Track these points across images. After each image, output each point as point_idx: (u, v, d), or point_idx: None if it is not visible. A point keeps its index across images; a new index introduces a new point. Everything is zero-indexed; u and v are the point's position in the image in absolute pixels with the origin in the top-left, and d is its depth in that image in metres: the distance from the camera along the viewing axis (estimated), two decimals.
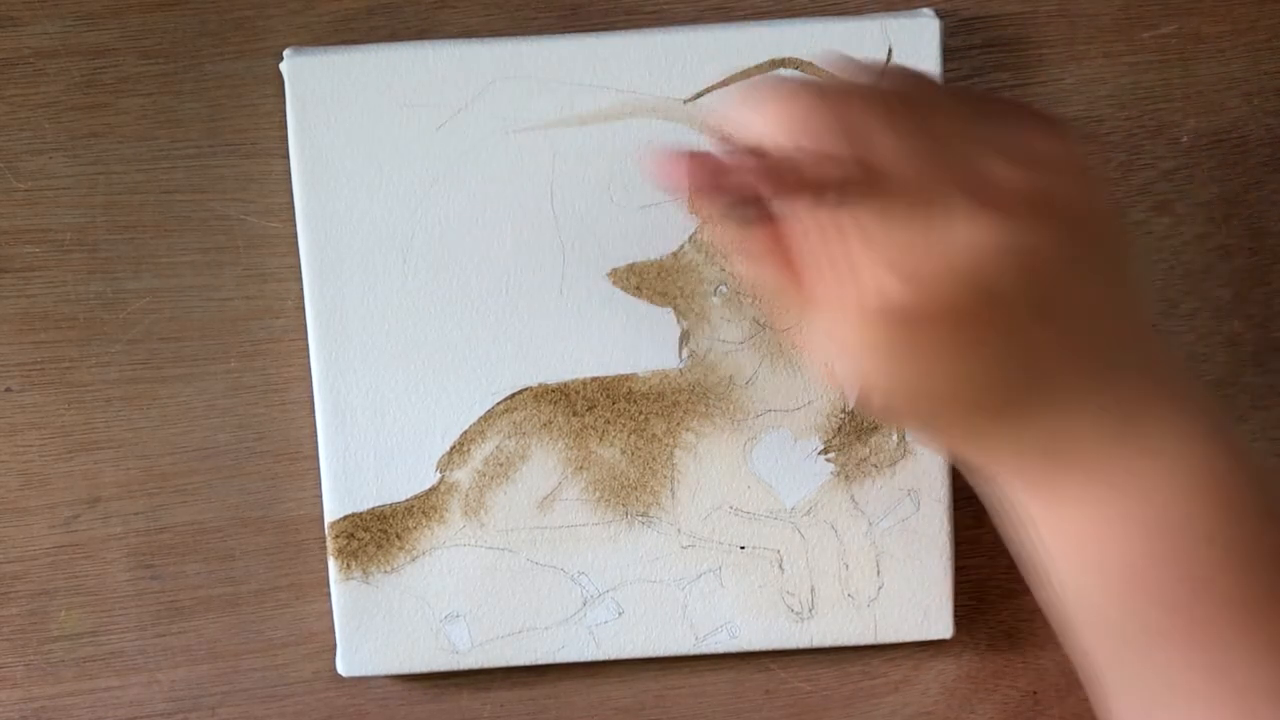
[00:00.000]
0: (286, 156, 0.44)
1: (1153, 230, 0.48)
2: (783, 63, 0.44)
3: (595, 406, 0.45)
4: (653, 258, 0.45)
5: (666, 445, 0.46)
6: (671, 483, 0.46)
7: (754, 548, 0.46)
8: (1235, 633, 0.30)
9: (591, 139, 0.44)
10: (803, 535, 0.46)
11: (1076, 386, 0.31)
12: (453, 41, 0.44)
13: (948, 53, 0.46)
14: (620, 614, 0.46)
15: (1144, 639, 0.31)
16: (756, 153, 0.30)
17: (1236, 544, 0.30)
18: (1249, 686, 0.29)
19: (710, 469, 0.46)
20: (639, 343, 0.45)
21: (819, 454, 0.46)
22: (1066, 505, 0.32)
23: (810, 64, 0.44)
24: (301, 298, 0.45)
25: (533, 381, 0.45)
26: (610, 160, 0.44)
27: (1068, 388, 0.31)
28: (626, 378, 0.45)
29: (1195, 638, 0.30)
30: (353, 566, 0.46)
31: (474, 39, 0.44)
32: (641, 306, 0.45)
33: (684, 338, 0.45)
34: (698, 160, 0.30)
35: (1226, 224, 0.48)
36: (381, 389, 0.45)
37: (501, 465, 0.45)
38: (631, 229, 0.45)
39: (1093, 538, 0.31)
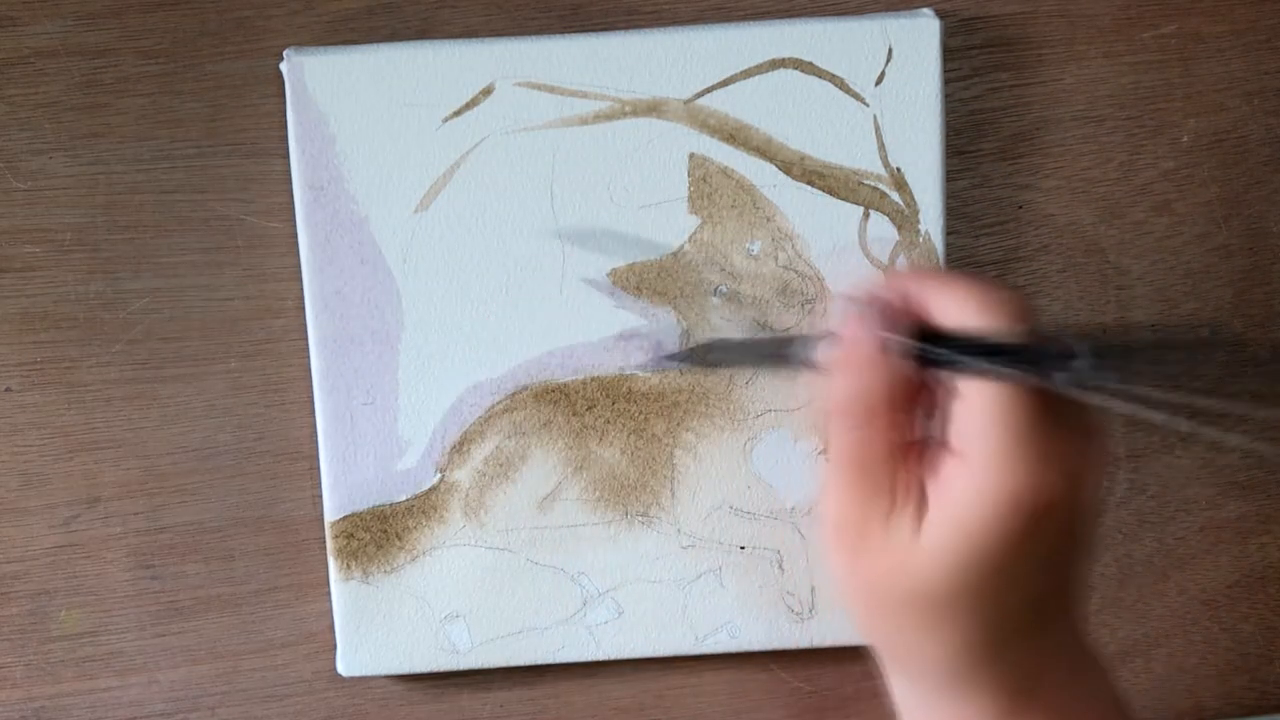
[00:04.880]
0: (286, 156, 0.44)
1: (1153, 230, 0.48)
2: (782, 63, 0.44)
3: (595, 406, 0.45)
4: (653, 258, 0.45)
5: (666, 445, 0.46)
6: (671, 483, 0.46)
7: (754, 548, 0.46)
8: None
9: (591, 139, 0.44)
10: (803, 535, 0.46)
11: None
12: (453, 41, 0.44)
13: (948, 53, 0.46)
14: (620, 614, 0.46)
15: None
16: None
17: None
18: None
19: (710, 469, 0.46)
20: (639, 343, 0.45)
21: (819, 454, 0.46)
22: None
23: (810, 64, 0.44)
24: (301, 298, 0.45)
25: (533, 381, 0.45)
26: (610, 160, 0.44)
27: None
28: (626, 378, 0.45)
29: None
30: (353, 566, 0.46)
31: (474, 39, 0.44)
32: (641, 306, 0.45)
33: (684, 338, 0.45)
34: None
35: (1226, 224, 0.48)
36: (382, 388, 0.45)
37: (501, 465, 0.45)
38: (631, 229, 0.45)
39: None
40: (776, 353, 0.41)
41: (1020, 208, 0.47)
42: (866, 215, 0.45)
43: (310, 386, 0.45)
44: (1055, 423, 0.32)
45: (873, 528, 0.33)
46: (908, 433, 0.34)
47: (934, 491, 0.33)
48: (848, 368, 0.34)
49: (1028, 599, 0.33)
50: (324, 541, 0.46)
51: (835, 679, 0.49)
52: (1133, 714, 0.36)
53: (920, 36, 0.44)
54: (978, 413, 0.32)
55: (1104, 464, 0.33)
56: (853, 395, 0.33)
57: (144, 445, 0.47)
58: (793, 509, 0.46)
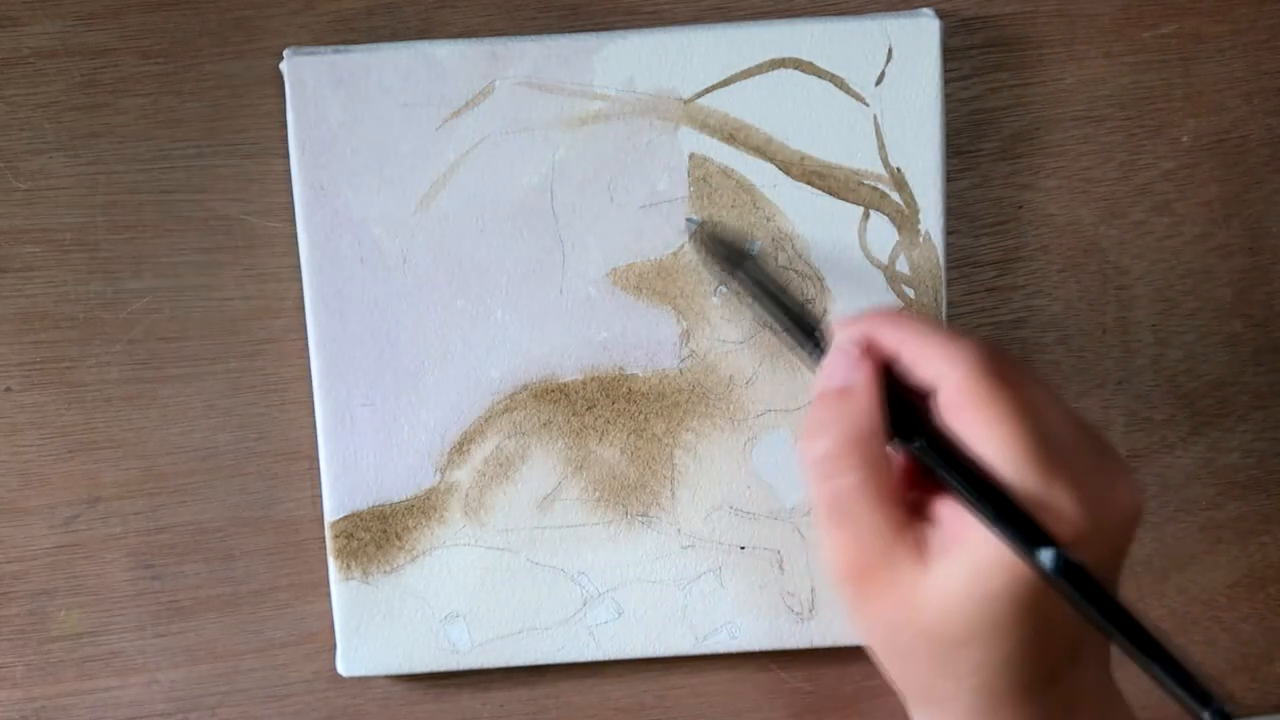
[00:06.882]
0: (286, 156, 0.44)
1: (1153, 230, 0.48)
2: (782, 63, 0.44)
3: (595, 406, 0.45)
4: (653, 258, 0.45)
5: (666, 445, 0.46)
6: (671, 483, 0.46)
7: (754, 548, 0.46)
8: None
9: (591, 139, 0.44)
10: (803, 535, 0.46)
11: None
12: (453, 41, 0.44)
13: (948, 53, 0.46)
14: (620, 614, 0.46)
15: None
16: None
17: None
18: None
19: (710, 469, 0.46)
20: (639, 343, 0.45)
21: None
22: None
23: (810, 64, 0.44)
24: (301, 298, 0.45)
25: (533, 381, 0.45)
26: (610, 160, 0.44)
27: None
28: (626, 378, 0.45)
29: None
30: (353, 566, 0.46)
31: (474, 39, 0.44)
32: (641, 306, 0.45)
33: (684, 338, 0.45)
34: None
35: (1226, 224, 0.48)
36: (382, 388, 0.45)
37: (501, 465, 0.45)
38: (631, 229, 0.45)
39: None
40: (788, 315, 0.40)
41: (1020, 208, 0.47)
42: (866, 215, 0.45)
43: (310, 386, 0.45)
44: (1071, 459, 0.31)
45: (874, 567, 0.32)
46: (887, 475, 0.33)
47: (938, 528, 0.32)
48: (823, 401, 0.34)
49: (1058, 641, 0.32)
50: (324, 541, 0.46)
51: (835, 679, 0.49)
52: None
53: (920, 36, 0.44)
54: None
55: (1131, 498, 0.32)
56: (826, 439, 0.33)
57: (144, 445, 0.47)
58: (793, 509, 0.46)
